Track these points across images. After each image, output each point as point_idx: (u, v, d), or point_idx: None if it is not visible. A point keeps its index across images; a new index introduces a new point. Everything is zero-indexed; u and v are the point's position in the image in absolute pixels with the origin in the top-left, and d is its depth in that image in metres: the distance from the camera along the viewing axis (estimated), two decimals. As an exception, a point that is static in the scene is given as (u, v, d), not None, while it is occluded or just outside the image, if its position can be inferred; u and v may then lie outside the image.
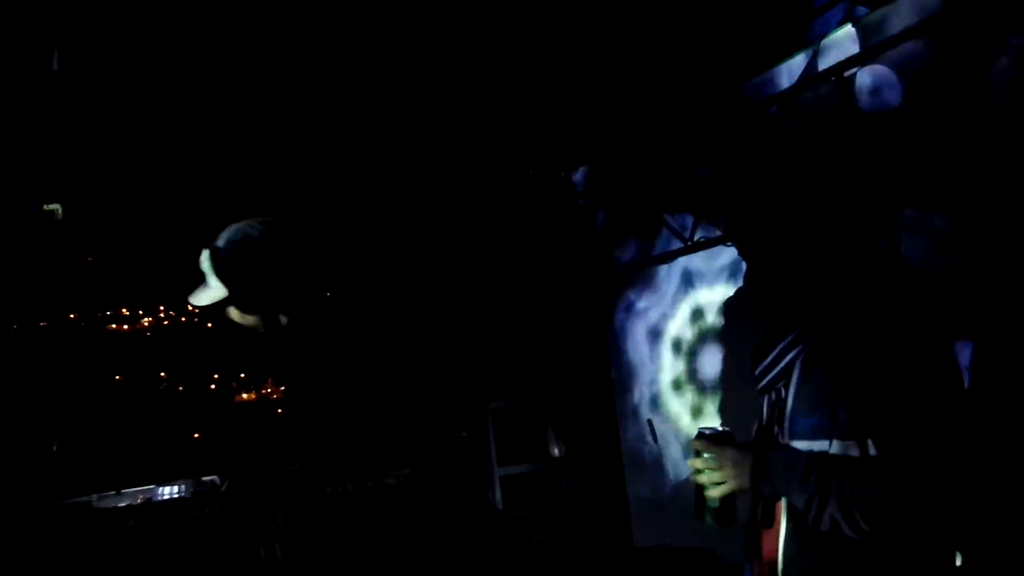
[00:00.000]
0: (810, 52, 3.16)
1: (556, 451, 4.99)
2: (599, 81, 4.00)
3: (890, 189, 2.82)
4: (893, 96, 2.83)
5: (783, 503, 1.41)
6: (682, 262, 4.07)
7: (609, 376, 4.71)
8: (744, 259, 1.59)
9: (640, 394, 4.50)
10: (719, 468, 1.43)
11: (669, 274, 4.19)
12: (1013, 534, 1.61)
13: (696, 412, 4.06)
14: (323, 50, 3.61)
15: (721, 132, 3.70)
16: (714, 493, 1.46)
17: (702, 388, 4.01)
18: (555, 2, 3.26)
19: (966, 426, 1.28)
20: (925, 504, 1.24)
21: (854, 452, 1.31)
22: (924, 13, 2.69)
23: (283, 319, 1.99)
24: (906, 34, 2.75)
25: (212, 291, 1.94)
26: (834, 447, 1.33)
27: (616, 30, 3.52)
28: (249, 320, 1.91)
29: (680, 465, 4.12)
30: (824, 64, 3.10)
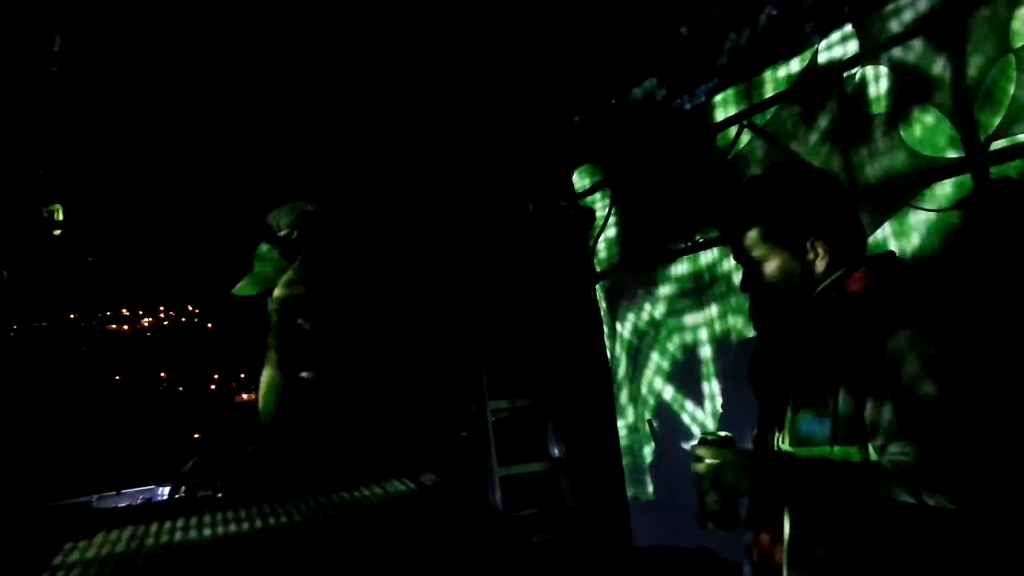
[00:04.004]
0: (809, 51, 3.16)
1: (556, 451, 4.98)
2: (599, 77, 4.00)
3: (885, 189, 2.83)
4: (889, 97, 2.83)
5: (786, 508, 1.40)
6: (683, 262, 4.07)
7: (609, 376, 4.71)
8: (739, 262, 1.59)
9: (640, 394, 4.50)
10: (721, 474, 1.43)
11: (669, 274, 4.18)
12: (1012, 533, 1.62)
13: (697, 414, 4.06)
14: (322, 51, 3.61)
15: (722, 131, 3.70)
16: (716, 499, 1.45)
17: (703, 390, 4.01)
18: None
19: (966, 426, 1.27)
20: (929, 505, 1.24)
21: (856, 457, 1.31)
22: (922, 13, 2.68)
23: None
24: (905, 35, 2.75)
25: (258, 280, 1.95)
26: (836, 452, 1.33)
27: (612, 24, 3.52)
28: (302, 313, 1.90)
29: (681, 466, 4.12)
30: (822, 62, 3.10)
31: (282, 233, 2.57)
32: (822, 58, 3.09)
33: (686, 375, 4.11)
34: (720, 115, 3.67)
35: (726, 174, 3.62)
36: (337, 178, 4.77)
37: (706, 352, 3.97)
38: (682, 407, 4.16)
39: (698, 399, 4.03)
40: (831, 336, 1.40)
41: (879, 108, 2.84)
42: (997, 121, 2.45)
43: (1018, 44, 2.35)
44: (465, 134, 4.49)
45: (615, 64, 3.92)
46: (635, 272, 4.42)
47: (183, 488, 4.72)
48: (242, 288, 2.76)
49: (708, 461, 1.44)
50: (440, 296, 5.11)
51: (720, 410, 3.86)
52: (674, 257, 4.09)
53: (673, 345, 4.20)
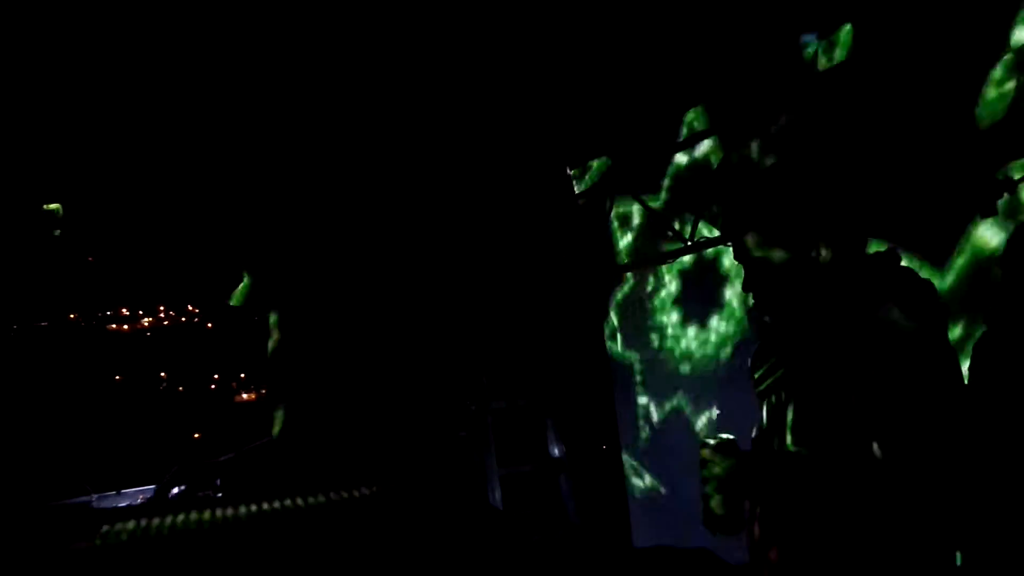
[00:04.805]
0: (811, 51, 3.15)
1: (556, 451, 4.98)
2: (600, 80, 4.00)
3: (888, 190, 2.82)
4: (892, 96, 2.83)
5: (787, 509, 1.40)
6: (682, 262, 4.06)
7: (609, 376, 4.71)
8: (741, 262, 1.58)
9: (640, 394, 4.49)
10: (724, 478, 1.42)
11: (669, 274, 4.18)
12: (1013, 534, 1.61)
13: (698, 414, 4.06)
14: (323, 49, 3.61)
15: (722, 133, 3.69)
16: (720, 502, 1.44)
17: (703, 389, 4.01)
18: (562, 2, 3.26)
19: (967, 427, 1.27)
20: (928, 506, 1.24)
21: (858, 457, 1.31)
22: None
23: None
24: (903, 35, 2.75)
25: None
26: (838, 452, 1.32)
27: (619, 30, 3.52)
28: None
29: (682, 466, 4.12)
30: (823, 65, 3.10)
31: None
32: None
33: (689, 375, 4.10)
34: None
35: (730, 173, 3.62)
36: (339, 178, 4.76)
37: (708, 352, 3.96)
38: (683, 405, 4.16)
39: (700, 399, 4.03)
40: (832, 336, 1.40)
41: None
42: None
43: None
44: (469, 134, 4.48)
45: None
46: (635, 268, 4.42)
47: (165, 493, 4.72)
48: (239, 296, 2.78)
49: (712, 465, 1.44)
50: (441, 297, 5.11)
51: (721, 410, 3.86)
52: (673, 256, 4.09)
53: (675, 344, 4.20)
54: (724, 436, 1.47)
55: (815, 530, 1.36)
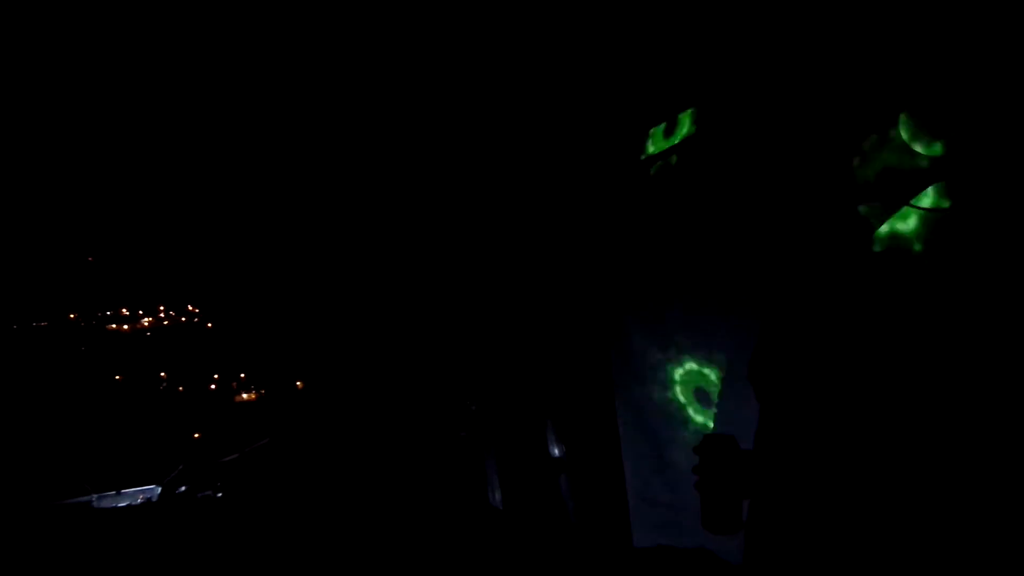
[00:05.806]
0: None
1: (556, 451, 4.99)
2: (601, 83, 3.99)
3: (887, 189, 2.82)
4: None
5: (786, 507, 1.40)
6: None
7: (610, 376, 4.71)
8: (740, 264, 1.58)
9: (641, 395, 4.49)
10: (724, 475, 1.42)
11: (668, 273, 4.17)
12: (1011, 532, 1.61)
13: (698, 415, 4.06)
14: (316, 49, 3.61)
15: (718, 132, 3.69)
16: (719, 500, 1.44)
17: (703, 390, 4.01)
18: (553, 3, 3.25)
19: (963, 424, 1.28)
20: (926, 505, 1.24)
21: (854, 454, 1.31)
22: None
23: None
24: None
25: None
26: (835, 450, 1.33)
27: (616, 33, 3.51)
28: None
29: (681, 465, 4.12)
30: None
31: None
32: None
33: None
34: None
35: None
36: (334, 176, 4.76)
37: (706, 349, 3.96)
38: (683, 405, 4.16)
39: (701, 399, 4.03)
40: (830, 336, 1.40)
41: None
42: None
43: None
44: (471, 131, 4.48)
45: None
46: (634, 266, 4.41)
47: (170, 494, 4.73)
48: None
49: (711, 463, 1.43)
50: (442, 296, 5.11)
51: (721, 408, 3.85)
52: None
53: (674, 341, 4.19)
54: (724, 435, 1.46)
55: (813, 530, 1.36)
